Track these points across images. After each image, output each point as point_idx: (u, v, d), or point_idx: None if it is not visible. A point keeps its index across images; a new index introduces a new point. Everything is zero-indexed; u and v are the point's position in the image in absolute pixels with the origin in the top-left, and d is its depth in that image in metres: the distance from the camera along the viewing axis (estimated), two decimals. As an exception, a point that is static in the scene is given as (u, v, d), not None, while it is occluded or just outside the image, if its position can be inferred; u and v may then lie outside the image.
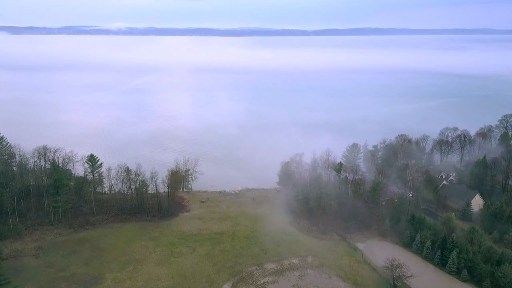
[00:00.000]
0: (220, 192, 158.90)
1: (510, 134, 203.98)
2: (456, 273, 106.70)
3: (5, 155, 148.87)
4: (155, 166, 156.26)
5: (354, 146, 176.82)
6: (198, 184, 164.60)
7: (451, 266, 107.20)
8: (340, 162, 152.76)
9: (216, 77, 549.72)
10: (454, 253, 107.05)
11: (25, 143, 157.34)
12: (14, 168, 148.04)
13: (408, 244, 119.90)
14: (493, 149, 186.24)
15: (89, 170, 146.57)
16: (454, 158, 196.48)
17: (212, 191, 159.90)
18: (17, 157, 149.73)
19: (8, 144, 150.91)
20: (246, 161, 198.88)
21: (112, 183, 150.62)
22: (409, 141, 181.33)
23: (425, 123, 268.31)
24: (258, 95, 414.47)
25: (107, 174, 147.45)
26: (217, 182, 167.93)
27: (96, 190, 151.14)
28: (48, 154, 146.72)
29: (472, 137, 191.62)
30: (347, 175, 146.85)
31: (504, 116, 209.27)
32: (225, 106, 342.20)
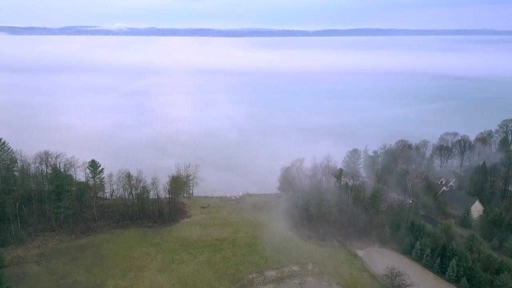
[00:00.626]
0: (221, 198, 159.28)
1: (510, 139, 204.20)
2: (456, 281, 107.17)
3: (6, 160, 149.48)
4: (156, 171, 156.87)
5: (354, 151, 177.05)
6: (199, 189, 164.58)
7: (451, 274, 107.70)
8: (340, 168, 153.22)
9: (216, 79, 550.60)
10: (453, 261, 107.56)
11: (26, 147, 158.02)
12: (16, 174, 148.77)
13: (408, 251, 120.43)
14: (493, 154, 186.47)
15: (90, 176, 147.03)
16: (454, 163, 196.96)
17: (213, 197, 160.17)
18: (18, 162, 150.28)
19: (10, 149, 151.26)
20: (246, 166, 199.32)
21: (113, 188, 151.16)
22: (409, 146, 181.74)
23: (425, 127, 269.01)
24: (258, 97, 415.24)
25: (109, 179, 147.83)
26: (218, 187, 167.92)
27: (98, 195, 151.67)
28: (49, 159, 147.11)
29: (472, 142, 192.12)
30: (347, 181, 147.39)
31: (504, 121, 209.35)
32: (225, 109, 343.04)
